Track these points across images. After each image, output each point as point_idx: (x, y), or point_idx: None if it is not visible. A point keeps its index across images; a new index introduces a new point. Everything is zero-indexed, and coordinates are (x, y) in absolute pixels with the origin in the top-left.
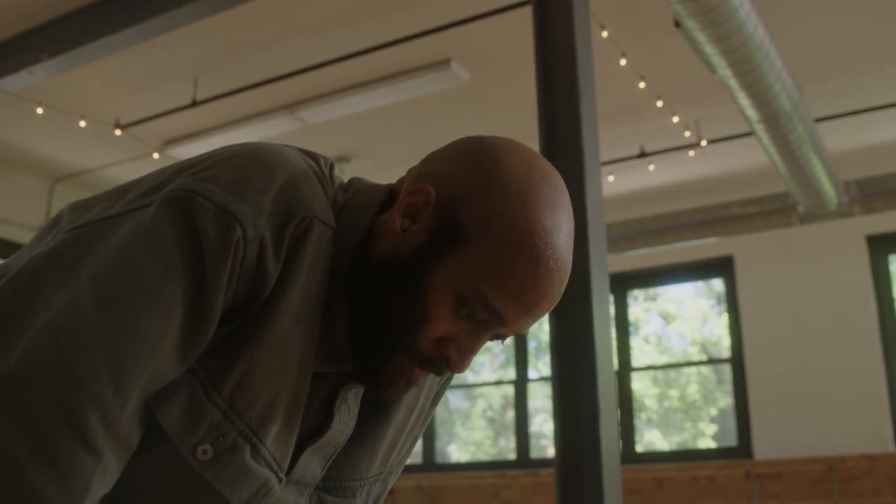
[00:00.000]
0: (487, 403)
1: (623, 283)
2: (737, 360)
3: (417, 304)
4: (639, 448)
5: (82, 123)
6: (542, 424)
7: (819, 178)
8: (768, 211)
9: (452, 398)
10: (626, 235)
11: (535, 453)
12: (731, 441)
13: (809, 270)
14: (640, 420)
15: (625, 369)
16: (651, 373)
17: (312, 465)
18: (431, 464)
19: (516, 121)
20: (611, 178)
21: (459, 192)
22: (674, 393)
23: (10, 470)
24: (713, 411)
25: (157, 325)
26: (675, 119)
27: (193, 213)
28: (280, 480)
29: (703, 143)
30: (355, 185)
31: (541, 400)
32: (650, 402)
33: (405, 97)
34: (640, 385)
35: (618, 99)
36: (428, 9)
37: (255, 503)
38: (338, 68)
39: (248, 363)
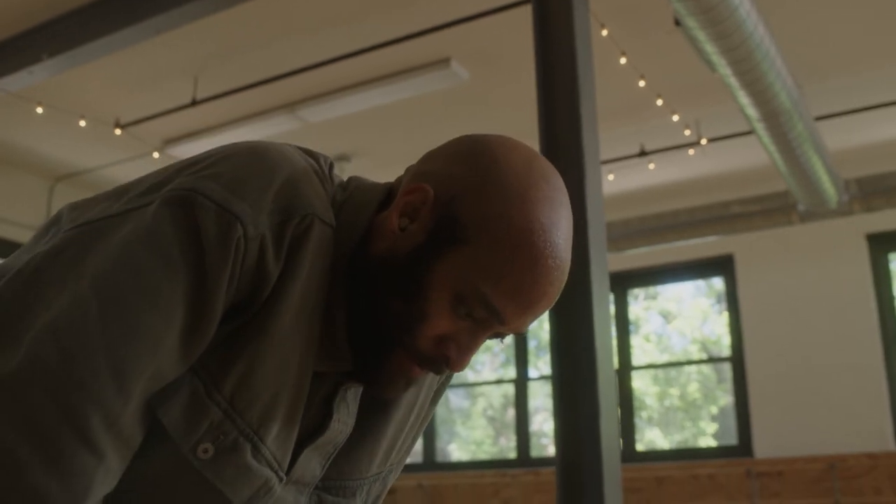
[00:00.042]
0: (488, 402)
1: (623, 282)
2: (737, 359)
3: (416, 303)
4: (639, 447)
5: (82, 123)
6: (543, 423)
7: (819, 176)
8: (768, 209)
9: (453, 397)
10: (626, 234)
11: (535, 452)
12: (732, 440)
13: (810, 269)
14: (640, 419)
15: (625, 368)
16: (651, 371)
17: (312, 464)
18: (432, 463)
19: (516, 120)
20: (611, 177)
21: (457, 191)
22: (674, 391)
23: (11, 470)
24: (713, 410)
25: (158, 325)
26: (675, 118)
27: (194, 212)
28: (280, 480)
29: (703, 141)
30: (354, 183)
31: (541, 399)
32: (650, 400)
33: (405, 96)
34: (641, 384)
35: (618, 98)
36: (428, 8)
37: (256, 503)
38: (338, 67)
39: (249, 362)
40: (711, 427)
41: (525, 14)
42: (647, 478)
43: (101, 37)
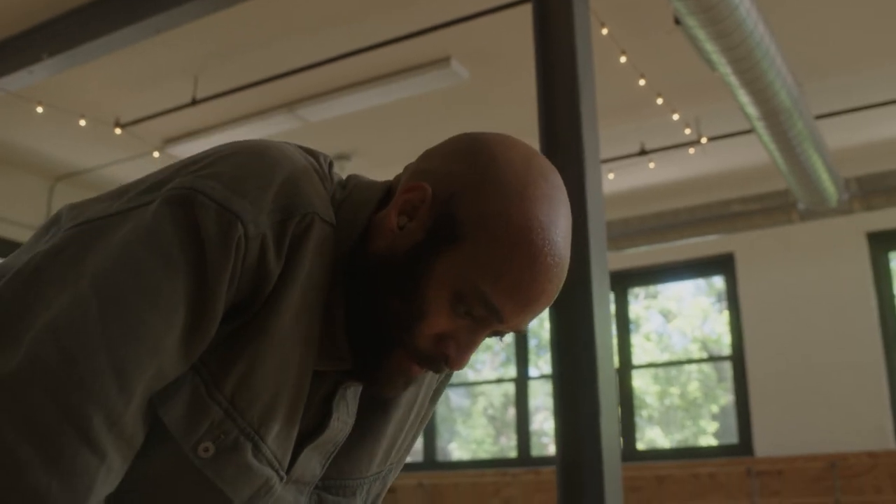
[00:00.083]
0: (488, 401)
1: (623, 281)
2: (737, 358)
3: (415, 302)
4: (640, 445)
5: (82, 122)
6: (543, 422)
7: (819, 174)
8: (769, 208)
9: (453, 396)
10: (626, 233)
11: (536, 451)
12: (732, 438)
13: (810, 267)
14: (640, 417)
15: (625, 367)
16: (652, 370)
17: (312, 463)
18: (432, 462)
19: (516, 119)
20: (611, 176)
21: (456, 189)
22: (674, 390)
23: (11, 470)
24: (714, 409)
25: (159, 324)
26: (676, 116)
27: (194, 211)
28: (281, 479)
29: (704, 140)
30: (353, 182)
31: (542, 398)
32: (651, 399)
33: (405, 95)
34: (641, 382)
35: (618, 96)
36: (428, 7)
37: (256, 502)
38: (338, 66)
39: (249, 361)
40: (712, 426)
41: (525, 13)
42: (648, 477)
43: (100, 36)
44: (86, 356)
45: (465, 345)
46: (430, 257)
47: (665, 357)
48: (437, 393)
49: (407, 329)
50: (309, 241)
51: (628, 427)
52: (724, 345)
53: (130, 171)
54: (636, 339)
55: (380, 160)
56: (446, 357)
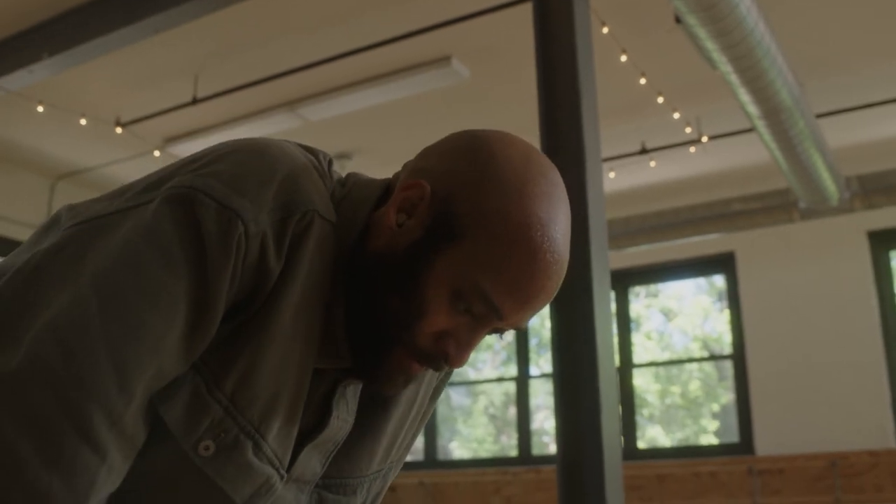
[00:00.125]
0: (489, 400)
1: (624, 280)
2: (738, 357)
3: (414, 300)
4: (640, 444)
5: (83, 121)
6: (544, 421)
7: (820, 173)
8: (769, 207)
9: (454, 395)
10: (627, 232)
11: (536, 450)
12: (733, 437)
13: (811, 266)
14: (641, 416)
15: (626, 366)
16: (652, 369)
17: (312, 462)
18: (433, 461)
19: (517, 118)
20: (612, 175)
21: (455, 187)
22: (675, 389)
23: (11, 468)
24: (715, 407)
25: (159, 323)
26: (676, 115)
27: (194, 209)
28: (282, 478)
29: (704, 139)
30: (352, 180)
31: (542, 397)
32: (652, 398)
33: (406, 94)
34: (642, 381)
35: (618, 95)
36: (428, 5)
37: (257, 500)
38: (338, 65)
39: (250, 360)
40: (713, 425)
41: (526, 11)
42: (649, 475)
43: (101, 35)
44: (86, 355)
45: (465, 342)
46: (429, 255)
47: (666, 356)
48: (437, 391)
49: (406, 327)
50: (309, 239)
51: (629, 426)
52: (725, 343)
53: (131, 170)
54: (637, 338)
55: (381, 159)
56: (446, 355)
